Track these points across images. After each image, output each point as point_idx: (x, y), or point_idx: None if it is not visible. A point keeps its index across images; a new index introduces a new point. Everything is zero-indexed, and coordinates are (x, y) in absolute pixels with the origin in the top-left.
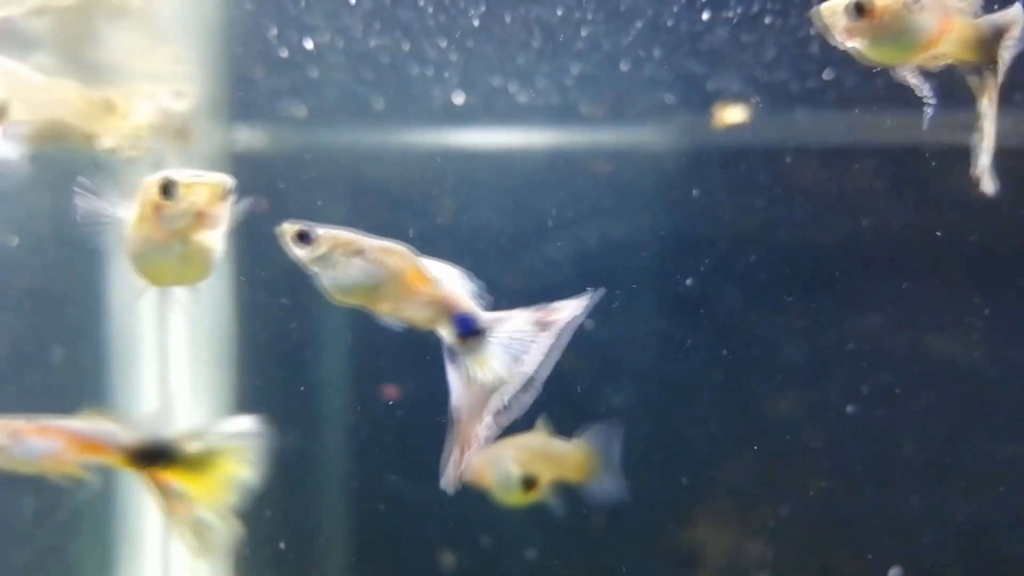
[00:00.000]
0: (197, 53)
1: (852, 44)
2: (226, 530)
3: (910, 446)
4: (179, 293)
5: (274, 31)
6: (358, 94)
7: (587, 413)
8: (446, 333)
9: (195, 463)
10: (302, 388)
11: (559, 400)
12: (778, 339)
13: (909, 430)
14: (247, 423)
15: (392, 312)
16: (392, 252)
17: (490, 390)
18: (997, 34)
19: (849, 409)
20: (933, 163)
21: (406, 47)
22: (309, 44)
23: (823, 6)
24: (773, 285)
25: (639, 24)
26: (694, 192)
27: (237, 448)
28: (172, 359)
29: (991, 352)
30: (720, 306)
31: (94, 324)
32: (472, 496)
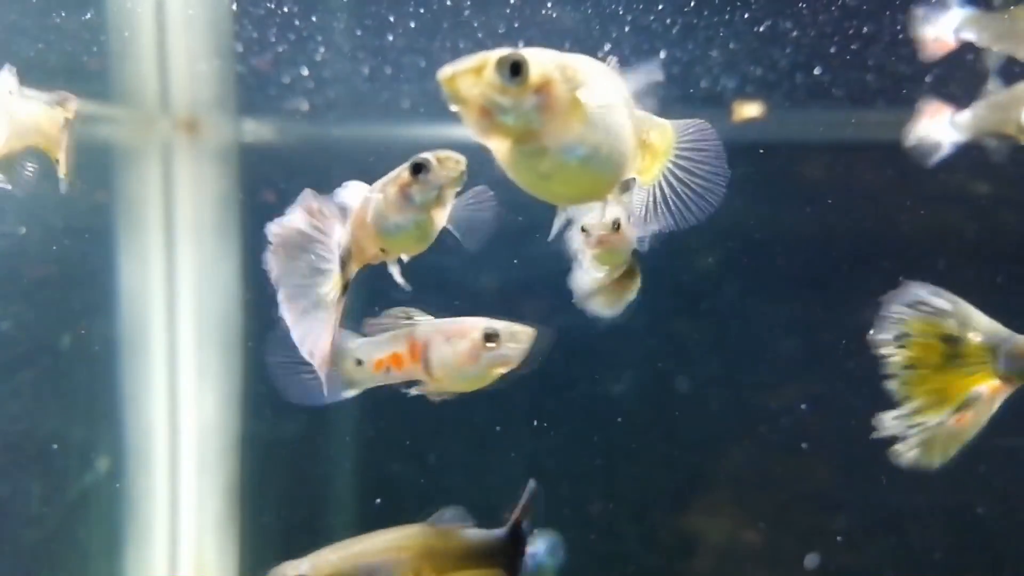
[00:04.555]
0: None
1: (593, 251)
2: None
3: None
4: (186, 285)
5: (280, 30)
6: (369, 88)
7: (585, 403)
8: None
9: None
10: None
11: (555, 391)
12: (777, 331)
13: None
14: None
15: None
16: None
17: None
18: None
19: (847, 401)
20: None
21: (417, 43)
22: (315, 41)
23: (591, 223)
24: (775, 278)
25: (652, 20)
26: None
27: None
28: (181, 347)
29: None
30: (721, 299)
31: (104, 313)
32: (476, 483)
